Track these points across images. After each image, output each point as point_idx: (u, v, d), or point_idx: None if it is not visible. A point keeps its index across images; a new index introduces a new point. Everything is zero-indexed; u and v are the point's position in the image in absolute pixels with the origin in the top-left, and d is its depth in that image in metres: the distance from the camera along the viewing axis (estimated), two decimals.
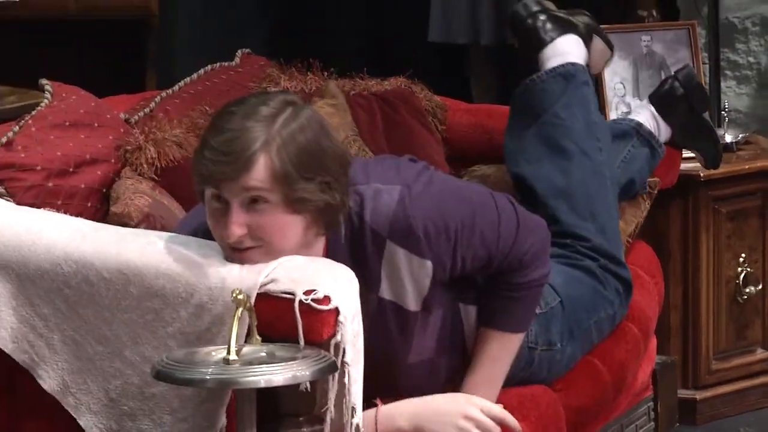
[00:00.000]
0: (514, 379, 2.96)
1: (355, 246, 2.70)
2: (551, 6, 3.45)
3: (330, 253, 2.67)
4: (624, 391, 3.28)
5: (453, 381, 2.85)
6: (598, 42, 3.51)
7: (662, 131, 3.64)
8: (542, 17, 3.40)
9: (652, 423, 3.67)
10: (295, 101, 2.59)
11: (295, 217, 2.57)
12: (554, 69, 3.38)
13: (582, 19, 3.46)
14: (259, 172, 2.52)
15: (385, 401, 2.72)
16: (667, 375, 3.80)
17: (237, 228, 2.53)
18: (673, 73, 3.72)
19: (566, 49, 3.41)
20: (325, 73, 3.57)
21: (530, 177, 3.30)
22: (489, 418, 2.69)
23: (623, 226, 3.46)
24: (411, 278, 2.73)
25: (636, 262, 3.51)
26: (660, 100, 3.63)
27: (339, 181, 2.59)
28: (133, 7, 5.41)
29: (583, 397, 3.10)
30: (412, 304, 2.76)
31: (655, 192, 3.61)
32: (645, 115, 3.61)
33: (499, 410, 2.73)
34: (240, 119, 2.53)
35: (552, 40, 3.40)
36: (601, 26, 3.63)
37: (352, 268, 2.57)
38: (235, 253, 2.56)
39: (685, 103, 3.64)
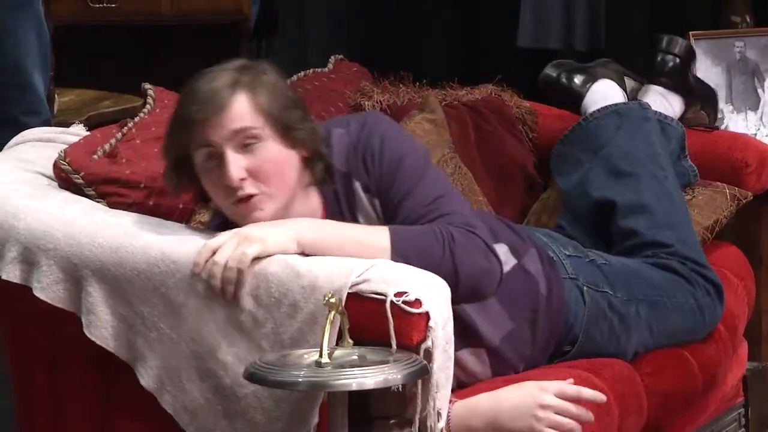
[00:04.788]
0: (591, 334, 2.98)
1: (340, 202, 2.75)
2: (574, 63, 3.59)
3: (329, 211, 2.73)
4: (714, 391, 3.26)
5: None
6: (630, 82, 3.61)
7: (676, 107, 3.64)
8: (570, 74, 3.56)
9: (743, 430, 3.65)
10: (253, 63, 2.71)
11: (289, 152, 2.65)
12: (606, 107, 3.46)
13: (609, 66, 3.60)
14: (241, 109, 2.61)
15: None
16: (758, 381, 3.76)
17: (236, 170, 2.60)
18: (662, 48, 3.69)
19: (605, 92, 3.53)
20: (417, 84, 3.59)
21: (602, 201, 3.31)
22: (564, 399, 2.66)
23: (700, 219, 3.45)
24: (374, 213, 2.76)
25: (724, 264, 3.49)
26: (667, 77, 3.64)
27: (311, 122, 2.69)
28: (226, 10, 5.47)
29: (671, 384, 3.09)
30: None
31: (745, 200, 3.60)
32: (652, 98, 3.61)
33: (572, 389, 2.69)
34: (207, 81, 2.63)
35: (588, 89, 3.54)
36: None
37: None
38: (240, 206, 2.63)
39: (686, 71, 3.66)
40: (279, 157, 2.65)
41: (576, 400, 2.68)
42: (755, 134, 4.15)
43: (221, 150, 2.62)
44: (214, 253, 2.55)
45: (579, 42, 5.28)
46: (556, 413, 2.65)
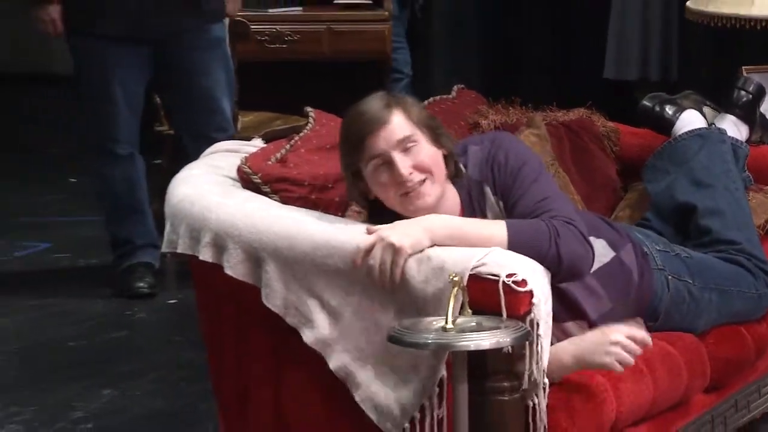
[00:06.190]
0: (671, 314, 2.94)
1: (473, 203, 2.76)
2: (666, 95, 3.62)
3: (465, 210, 2.73)
4: (762, 357, 3.19)
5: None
6: (707, 110, 3.61)
7: (743, 133, 3.58)
8: (662, 105, 3.56)
9: None
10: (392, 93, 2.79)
11: (437, 150, 2.68)
12: (691, 131, 3.44)
13: (691, 98, 3.61)
14: (400, 122, 2.65)
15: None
16: None
17: (404, 168, 2.63)
18: (739, 86, 3.67)
19: (691, 120, 3.51)
20: (523, 107, 3.58)
21: (685, 204, 3.27)
22: (632, 341, 2.64)
23: (753, 219, 3.39)
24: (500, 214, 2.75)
25: None
26: (741, 109, 3.62)
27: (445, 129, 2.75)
28: (372, 51, 5.50)
29: (729, 352, 3.03)
30: None
31: None
32: (726, 124, 3.56)
33: (641, 334, 2.67)
34: (366, 106, 2.67)
35: (677, 117, 3.53)
36: (747, 66, 3.66)
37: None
38: (410, 197, 2.64)
39: (755, 105, 3.63)
40: (432, 153, 2.68)
41: (641, 344, 2.66)
42: None
43: (389, 156, 2.64)
44: (366, 252, 2.55)
45: (653, 73, 5.23)
46: (623, 350, 2.63)
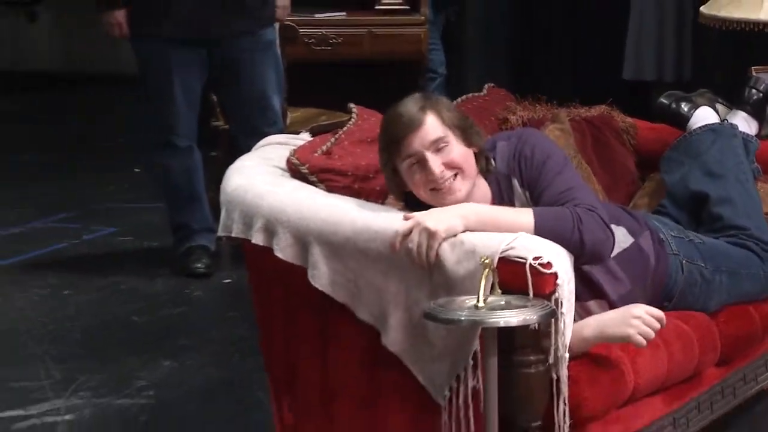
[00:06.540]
0: (684, 294, 2.92)
1: (503, 194, 2.74)
2: (681, 93, 3.60)
3: (495, 200, 2.72)
4: None
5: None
6: (720, 107, 3.58)
7: (753, 128, 3.55)
8: (678, 102, 3.54)
9: None
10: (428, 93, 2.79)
11: (468, 150, 2.67)
12: (704, 126, 3.41)
13: (705, 96, 3.58)
14: (432, 124, 2.64)
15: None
16: None
17: (437, 166, 2.62)
18: (751, 85, 3.63)
19: (705, 116, 3.48)
20: (548, 104, 3.55)
21: (698, 193, 3.24)
22: (651, 317, 2.64)
23: (763, 208, 3.36)
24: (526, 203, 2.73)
25: None
26: (751, 106, 3.58)
27: (477, 127, 2.72)
28: (409, 52, 5.48)
29: (739, 329, 3.02)
30: None
31: None
32: (738, 120, 3.52)
33: (659, 312, 2.66)
34: (402, 109, 2.66)
35: (692, 114, 3.50)
36: (756, 66, 3.66)
37: None
38: (441, 193, 2.63)
39: (765, 103, 3.59)
40: (462, 152, 2.67)
41: (659, 320, 2.65)
42: None
43: (422, 155, 2.64)
44: (404, 236, 2.54)
45: (668, 75, 5.18)
46: (643, 323, 2.62)
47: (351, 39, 5.47)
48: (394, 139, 2.65)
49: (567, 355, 2.52)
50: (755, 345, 3.12)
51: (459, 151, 2.66)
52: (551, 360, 2.50)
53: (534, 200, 2.72)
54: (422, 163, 2.64)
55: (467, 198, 2.65)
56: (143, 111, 4.60)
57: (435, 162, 2.63)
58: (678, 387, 2.86)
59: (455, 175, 2.64)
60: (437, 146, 2.64)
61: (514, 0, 6.29)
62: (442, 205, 2.63)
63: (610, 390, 2.65)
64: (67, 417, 3.47)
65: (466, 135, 2.68)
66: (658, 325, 2.65)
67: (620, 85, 5.52)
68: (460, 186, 2.65)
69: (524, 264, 2.46)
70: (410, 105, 2.66)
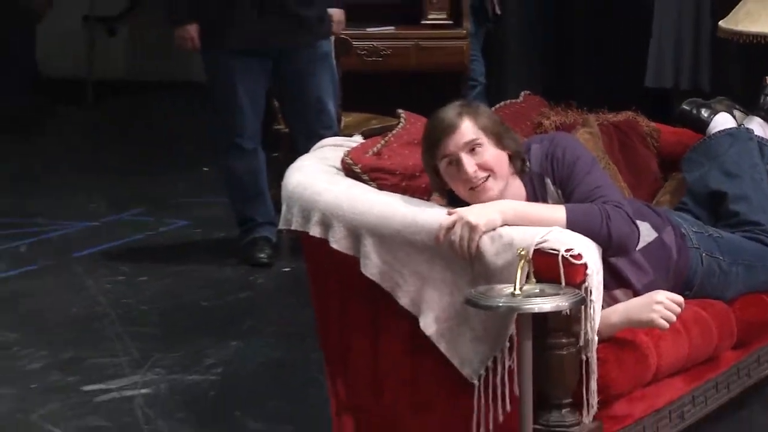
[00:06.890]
0: (704, 285, 2.91)
1: (536, 192, 2.74)
2: (702, 100, 3.58)
3: (530, 198, 2.72)
4: None
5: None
6: (737, 113, 3.55)
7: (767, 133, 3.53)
8: (699, 108, 3.52)
9: None
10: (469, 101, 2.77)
11: (501, 152, 2.66)
12: (723, 130, 3.39)
13: (724, 102, 3.55)
14: (467, 128, 2.64)
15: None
16: None
17: (470, 166, 2.63)
18: (766, 92, 3.59)
19: (723, 121, 3.46)
20: (579, 110, 3.54)
21: (716, 191, 3.22)
22: (672, 302, 2.64)
23: None
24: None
25: None
26: (767, 112, 3.55)
27: (513, 132, 2.71)
28: (452, 63, 5.48)
29: (753, 316, 3.01)
30: None
31: None
32: (754, 125, 3.49)
33: (678, 297, 2.67)
34: (443, 114, 2.67)
35: (711, 119, 3.48)
36: None
37: None
38: (476, 192, 2.64)
39: None
40: (495, 154, 2.67)
41: (680, 305, 2.65)
42: None
43: (457, 156, 2.64)
44: (447, 230, 2.56)
45: (687, 84, 5.14)
46: (666, 308, 2.62)
47: (399, 51, 5.47)
48: (434, 141, 2.67)
49: (596, 338, 2.53)
50: None
51: (492, 153, 2.66)
52: (581, 343, 2.51)
53: (565, 198, 2.72)
54: (458, 163, 2.65)
55: (500, 196, 2.66)
56: (212, 116, 4.65)
57: (469, 162, 2.64)
58: (697, 368, 2.86)
59: (488, 176, 2.64)
60: (470, 147, 2.64)
61: (548, 15, 6.28)
62: (478, 202, 2.64)
63: (635, 370, 2.66)
64: (143, 391, 3.51)
65: (499, 138, 2.68)
66: (678, 309, 2.64)
67: (642, 93, 5.49)
68: (492, 185, 2.65)
69: (557, 255, 2.47)
70: (449, 110, 2.68)
